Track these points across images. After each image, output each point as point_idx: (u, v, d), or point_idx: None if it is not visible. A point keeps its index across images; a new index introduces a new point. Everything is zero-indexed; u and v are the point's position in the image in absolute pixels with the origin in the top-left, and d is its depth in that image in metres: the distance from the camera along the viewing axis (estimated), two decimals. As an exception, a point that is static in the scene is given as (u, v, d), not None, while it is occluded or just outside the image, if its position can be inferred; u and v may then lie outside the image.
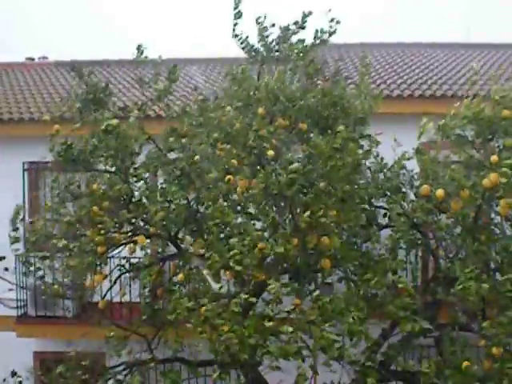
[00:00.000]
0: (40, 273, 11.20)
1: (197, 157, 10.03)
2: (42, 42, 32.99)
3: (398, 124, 11.73)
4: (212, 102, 11.01)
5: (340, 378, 9.46)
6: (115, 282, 11.22)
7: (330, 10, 10.92)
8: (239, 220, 9.73)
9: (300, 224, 8.79)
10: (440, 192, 9.41)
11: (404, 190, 10.90)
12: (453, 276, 10.20)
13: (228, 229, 9.52)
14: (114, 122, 10.27)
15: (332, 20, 11.07)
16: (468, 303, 8.91)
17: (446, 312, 10.23)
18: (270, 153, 9.19)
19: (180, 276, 10.10)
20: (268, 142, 9.28)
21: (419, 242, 10.72)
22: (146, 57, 11.04)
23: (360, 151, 9.16)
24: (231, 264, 8.70)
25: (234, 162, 9.42)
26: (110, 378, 10.91)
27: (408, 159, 10.61)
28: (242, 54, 11.57)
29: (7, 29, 37.62)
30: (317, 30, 11.24)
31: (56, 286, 10.87)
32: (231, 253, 8.77)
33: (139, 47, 11.02)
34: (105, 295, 11.10)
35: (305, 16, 11.08)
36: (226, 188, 9.52)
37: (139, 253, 10.93)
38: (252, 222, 9.70)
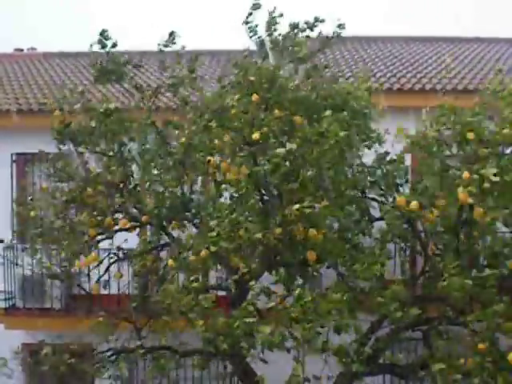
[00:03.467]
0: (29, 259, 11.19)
1: (183, 139, 10.08)
2: (29, 34, 32.80)
3: (400, 117, 11.69)
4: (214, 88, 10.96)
5: (328, 370, 9.48)
6: (106, 271, 11.24)
7: (339, 20, 11.10)
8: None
9: (287, 214, 8.81)
10: (414, 204, 9.43)
11: (398, 182, 10.94)
12: (440, 270, 10.28)
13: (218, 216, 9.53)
14: (112, 105, 10.31)
15: (339, 26, 11.17)
16: (453, 298, 8.96)
17: (435, 306, 10.28)
18: (255, 136, 9.10)
19: (170, 262, 10.06)
20: (255, 128, 9.24)
21: (409, 235, 10.76)
22: (173, 43, 11.16)
23: (342, 133, 9.08)
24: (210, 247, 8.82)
25: (220, 143, 9.41)
26: (96, 363, 10.91)
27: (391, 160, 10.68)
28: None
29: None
30: (322, 35, 11.31)
31: (48, 267, 10.81)
32: (209, 234, 8.85)
33: (172, 33, 11.14)
34: (97, 280, 11.10)
35: (317, 21, 11.08)
36: (210, 171, 9.58)
37: (132, 242, 10.95)
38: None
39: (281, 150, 8.74)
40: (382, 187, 10.81)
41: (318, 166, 8.91)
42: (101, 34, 10.82)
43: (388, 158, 10.98)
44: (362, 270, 9.13)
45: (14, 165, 14.88)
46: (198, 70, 11.59)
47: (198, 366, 9.92)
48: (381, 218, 10.73)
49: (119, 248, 11.30)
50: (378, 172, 10.89)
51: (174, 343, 10.80)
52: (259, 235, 8.72)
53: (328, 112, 9.07)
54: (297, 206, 8.57)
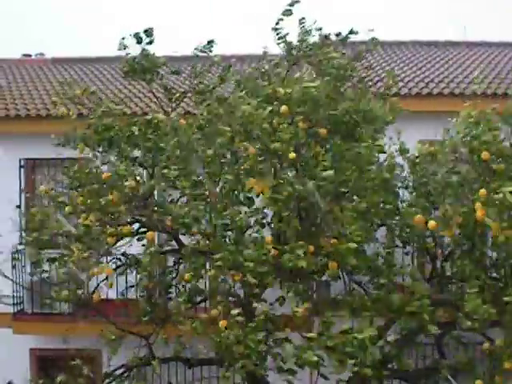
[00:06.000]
0: (39, 269, 11.15)
1: (209, 151, 9.89)
2: (36, 40, 32.90)
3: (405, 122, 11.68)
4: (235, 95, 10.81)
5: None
6: (106, 278, 11.20)
7: (372, 30, 11.02)
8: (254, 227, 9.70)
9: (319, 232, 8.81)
10: (432, 223, 9.40)
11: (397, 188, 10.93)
12: (448, 275, 10.26)
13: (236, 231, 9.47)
14: (161, 117, 10.31)
15: (373, 39, 11.12)
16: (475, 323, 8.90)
17: (446, 312, 10.22)
18: (292, 155, 8.98)
19: (186, 276, 9.98)
20: (290, 145, 9.10)
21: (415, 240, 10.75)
22: (210, 50, 11.24)
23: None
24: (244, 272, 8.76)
25: (252, 163, 9.21)
26: (110, 382, 10.90)
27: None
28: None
29: (2, 25, 37.60)
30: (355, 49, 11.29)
31: (61, 271, 10.73)
32: (245, 264, 8.79)
33: (210, 42, 11.19)
34: (96, 287, 11.05)
35: (351, 33, 11.06)
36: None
37: (137, 247, 10.91)
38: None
39: (329, 173, 8.71)
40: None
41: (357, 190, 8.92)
42: (145, 32, 10.79)
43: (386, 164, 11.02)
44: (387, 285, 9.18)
45: (22, 170, 14.91)
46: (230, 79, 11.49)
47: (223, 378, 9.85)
48: (384, 224, 10.73)
49: (124, 253, 11.25)
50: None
51: (186, 352, 10.79)
52: (304, 263, 8.66)
53: (381, 141, 9.00)
54: (353, 244, 8.67)
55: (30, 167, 14.90)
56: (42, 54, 21.05)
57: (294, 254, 8.64)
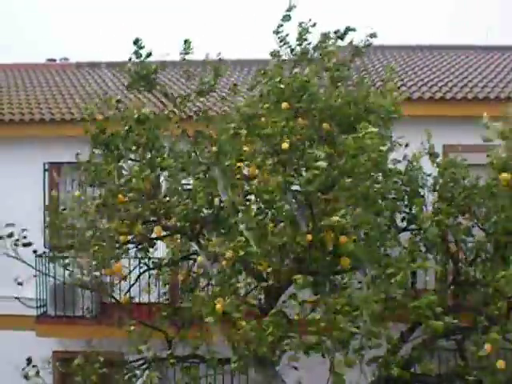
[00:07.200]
0: (61, 269, 11.25)
1: (214, 148, 10.00)
2: (61, 45, 33.20)
3: (421, 126, 11.62)
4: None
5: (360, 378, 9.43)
6: (136, 280, 11.29)
7: (372, 28, 10.92)
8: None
9: (319, 223, 8.79)
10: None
11: (423, 193, 10.90)
12: (473, 280, 10.20)
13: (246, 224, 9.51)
14: (147, 111, 10.35)
15: (372, 35, 10.98)
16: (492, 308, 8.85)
17: (466, 315, 10.17)
18: (285, 145, 9.07)
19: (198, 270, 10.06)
20: (285, 136, 9.18)
21: (439, 244, 10.70)
22: (188, 52, 11.15)
23: (382, 147, 9.07)
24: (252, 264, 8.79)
25: (247, 149, 9.39)
26: (128, 373, 10.95)
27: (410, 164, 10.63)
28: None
29: (28, 30, 37.95)
30: (353, 45, 11.16)
31: (79, 276, 10.82)
32: (238, 239, 8.86)
33: (186, 42, 11.13)
34: (127, 292, 11.14)
35: (348, 30, 10.96)
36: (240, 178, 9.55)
37: (161, 251, 10.97)
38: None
39: (322, 164, 8.71)
40: (406, 196, 10.78)
41: (353, 177, 8.87)
42: (135, 43, 10.87)
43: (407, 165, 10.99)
44: (397, 279, 9.08)
45: (47, 174, 15.03)
46: (235, 80, 11.55)
47: (236, 368, 9.84)
48: (406, 229, 10.70)
49: (149, 257, 11.31)
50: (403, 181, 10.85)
51: (204, 352, 10.84)
52: (289, 239, 8.68)
53: (372, 129, 8.95)
54: (336, 218, 8.55)
55: (54, 171, 15.00)
56: (66, 59, 21.24)
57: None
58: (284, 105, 9.55)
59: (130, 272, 11.34)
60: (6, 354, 13.70)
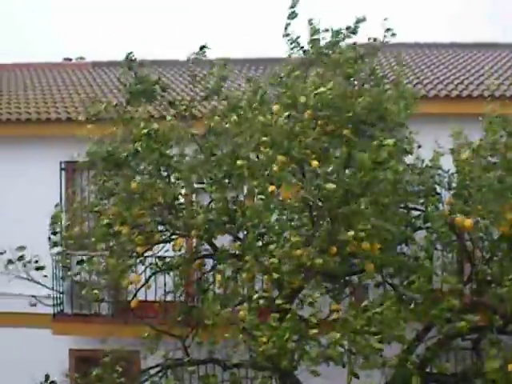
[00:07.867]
0: (77, 276, 11.29)
1: (239, 162, 9.82)
2: (78, 44, 33.32)
3: (436, 124, 11.57)
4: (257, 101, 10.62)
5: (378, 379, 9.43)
6: (147, 281, 11.28)
7: (385, 19, 10.57)
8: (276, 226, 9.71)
9: (339, 236, 8.79)
10: (468, 222, 9.48)
11: (439, 190, 10.84)
12: (489, 279, 10.14)
13: (264, 230, 9.51)
14: (156, 125, 10.32)
15: (387, 30, 10.69)
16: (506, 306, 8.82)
17: (482, 315, 10.12)
18: (315, 163, 8.97)
19: (218, 278, 10.07)
20: (312, 151, 9.11)
21: (455, 243, 10.65)
22: (204, 55, 11.17)
23: (401, 168, 9.10)
24: (270, 271, 8.77)
25: (276, 169, 9.16)
26: (145, 381, 10.97)
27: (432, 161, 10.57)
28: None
29: (44, 29, 38.06)
30: (370, 39, 10.98)
31: (95, 292, 10.83)
32: (270, 260, 8.81)
33: (202, 47, 11.15)
34: (136, 293, 11.14)
35: (358, 21, 10.75)
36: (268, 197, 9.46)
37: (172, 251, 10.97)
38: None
39: (330, 186, 8.66)
40: (421, 195, 10.73)
41: (371, 191, 8.87)
42: (126, 58, 10.89)
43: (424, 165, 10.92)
44: (418, 285, 9.11)
45: (63, 173, 15.07)
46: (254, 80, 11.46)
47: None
48: (421, 227, 10.66)
49: (160, 258, 11.33)
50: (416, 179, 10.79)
51: (219, 355, 10.83)
52: (321, 261, 8.68)
53: (390, 141, 8.87)
54: (351, 233, 8.63)
55: (71, 170, 15.05)
56: (82, 58, 21.31)
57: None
58: (307, 114, 9.36)
59: (143, 272, 11.31)
60: (21, 353, 13.79)
